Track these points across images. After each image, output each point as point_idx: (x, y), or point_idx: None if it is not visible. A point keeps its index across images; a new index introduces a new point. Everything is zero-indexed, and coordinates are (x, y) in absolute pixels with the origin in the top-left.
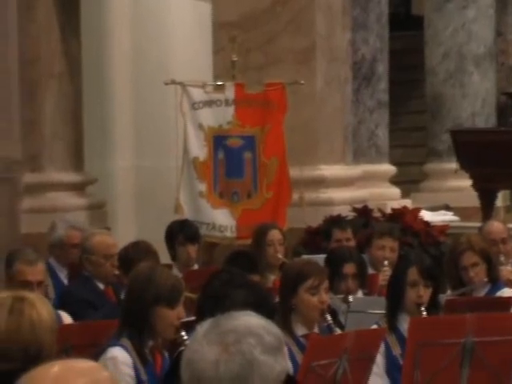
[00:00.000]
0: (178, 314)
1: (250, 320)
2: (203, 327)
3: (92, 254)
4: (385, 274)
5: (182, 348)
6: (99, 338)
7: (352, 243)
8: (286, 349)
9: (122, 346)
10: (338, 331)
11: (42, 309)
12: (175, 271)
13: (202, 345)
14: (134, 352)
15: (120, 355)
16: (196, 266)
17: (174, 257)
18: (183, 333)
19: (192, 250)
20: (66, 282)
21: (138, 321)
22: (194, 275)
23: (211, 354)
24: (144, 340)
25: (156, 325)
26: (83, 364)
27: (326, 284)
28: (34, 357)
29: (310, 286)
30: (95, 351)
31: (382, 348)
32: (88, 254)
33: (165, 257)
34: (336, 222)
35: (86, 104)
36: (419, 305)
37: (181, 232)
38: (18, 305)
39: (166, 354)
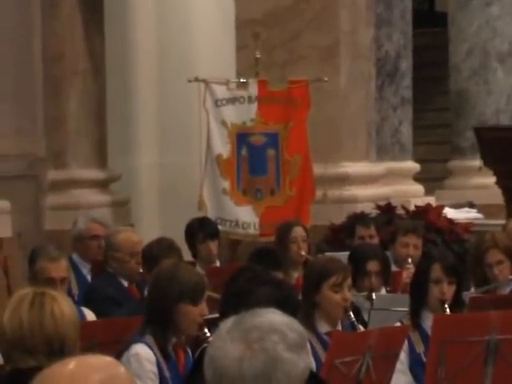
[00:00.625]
0: (201, 310)
1: (273, 317)
2: (227, 324)
3: (117, 251)
4: (408, 271)
5: (205, 345)
6: (123, 334)
7: (375, 240)
8: (309, 346)
9: (146, 342)
10: (361, 329)
11: (63, 303)
12: (198, 269)
13: (226, 342)
14: (157, 349)
15: (143, 352)
16: (218, 263)
17: (195, 255)
18: (206, 330)
19: (213, 246)
20: (88, 277)
21: (162, 318)
22: (216, 272)
23: (234, 351)
24: (167, 337)
25: (179, 322)
26: (99, 360)
27: (349, 281)
28: (58, 351)
29: (333, 283)
30: (119, 348)
31: (405, 345)
32: (113, 251)
33: (188, 254)
34: (359, 219)
35: (110, 101)
36: (443, 302)
37: (200, 229)
38: (38, 299)
39: (189, 351)
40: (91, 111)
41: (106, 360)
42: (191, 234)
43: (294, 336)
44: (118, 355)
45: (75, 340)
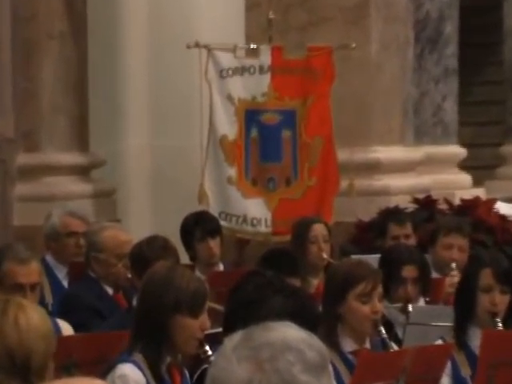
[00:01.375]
0: (202, 324)
1: (288, 332)
2: (232, 340)
3: (101, 251)
4: (452, 278)
5: (206, 366)
6: (107, 352)
7: (412, 241)
8: (330, 367)
9: (134, 362)
10: (395, 347)
11: (31, 312)
12: (197, 273)
13: (231, 361)
14: (148, 370)
15: (131, 373)
16: (221, 266)
17: (193, 257)
18: (207, 347)
19: (213, 244)
20: (65, 283)
21: (154, 332)
22: (219, 278)
23: (242, 372)
24: (160, 355)
25: (175, 337)
26: (87, 382)
27: (379, 290)
28: (22, 367)
29: (360, 293)
30: (102, 368)
31: (447, 368)
32: (96, 251)
33: (186, 255)
34: (392, 215)
35: (93, 71)
36: (494, 315)
37: (197, 226)
38: (0, 306)
39: (187, 373)
40: (70, 83)
41: (96, 383)
42: (187, 233)
43: (313, 355)
44: (101, 377)
45: (46, 356)
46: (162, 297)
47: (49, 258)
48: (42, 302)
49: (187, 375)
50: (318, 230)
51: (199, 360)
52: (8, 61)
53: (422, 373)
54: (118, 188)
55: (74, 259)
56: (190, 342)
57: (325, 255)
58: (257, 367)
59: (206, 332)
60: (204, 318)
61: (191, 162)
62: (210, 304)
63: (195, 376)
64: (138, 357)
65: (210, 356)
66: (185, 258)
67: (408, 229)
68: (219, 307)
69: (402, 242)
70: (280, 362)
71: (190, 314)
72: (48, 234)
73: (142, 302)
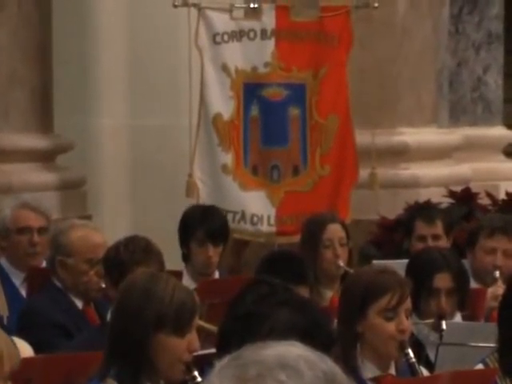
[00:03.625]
0: (189, 344)
1: (289, 350)
2: (221, 361)
3: (69, 256)
4: (496, 289)
5: None
6: (74, 377)
7: (443, 242)
8: None
9: None
10: (425, 372)
11: None
12: (186, 280)
13: (213, 383)
14: None
15: None
16: (216, 274)
17: (186, 257)
18: (196, 372)
19: (214, 253)
20: (23, 291)
21: (132, 354)
22: (212, 287)
23: None
24: (139, 382)
25: (157, 360)
26: None
27: (407, 304)
28: None
29: (384, 307)
30: None
31: None
32: (62, 255)
33: (172, 260)
34: (420, 210)
35: (58, 34)
36: None
37: (201, 225)
38: None
39: None
40: (30, 49)
41: None
42: (187, 228)
43: (313, 376)
44: None
45: None
46: (141, 311)
47: (3, 262)
48: None
49: None
50: (334, 231)
51: None
52: None
53: None
54: (89, 177)
55: (30, 262)
56: (175, 366)
57: (341, 263)
58: None
59: (195, 354)
60: (192, 337)
61: (178, 146)
62: (200, 323)
63: None
64: (112, 383)
65: (199, 383)
66: (171, 263)
67: (438, 228)
68: (211, 327)
69: (429, 243)
70: (267, 381)
71: (175, 331)
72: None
73: (118, 318)
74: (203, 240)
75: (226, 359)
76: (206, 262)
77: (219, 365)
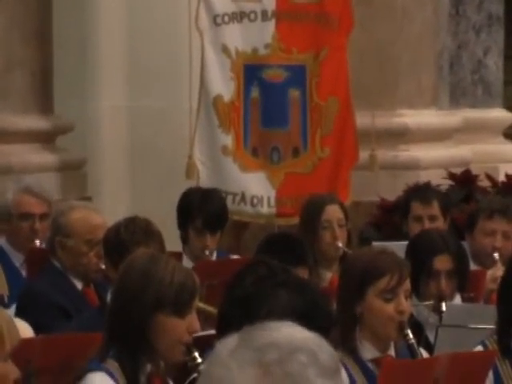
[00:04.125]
0: (189, 325)
1: (292, 332)
2: (228, 344)
3: (68, 237)
4: (495, 271)
5: (195, 375)
6: (74, 358)
7: (440, 224)
8: (346, 377)
9: (107, 370)
10: (424, 354)
11: None
12: (185, 261)
13: (230, 367)
14: (124, 379)
15: None
16: (214, 255)
17: (185, 239)
18: (196, 353)
19: (211, 241)
20: (23, 272)
21: (131, 335)
22: (211, 268)
23: (246, 379)
24: (139, 363)
25: (157, 341)
26: None
27: (406, 285)
28: None
29: (383, 289)
30: (68, 378)
31: (489, 379)
32: (62, 236)
33: (172, 240)
34: (416, 191)
35: (58, 15)
36: None
37: (199, 212)
38: None
39: None
40: (30, 31)
41: None
42: (186, 212)
43: (326, 357)
44: None
45: None
46: (141, 292)
47: (3, 243)
48: None
49: None
50: (333, 212)
51: (186, 369)
52: None
53: None
54: (89, 159)
55: (31, 245)
56: (175, 347)
57: (340, 243)
58: (264, 372)
59: (195, 335)
60: (192, 318)
61: (178, 127)
62: (199, 305)
63: None
64: (112, 364)
65: (199, 364)
66: (171, 244)
67: (434, 209)
68: (210, 309)
69: (425, 225)
70: (291, 364)
71: (175, 312)
72: (1, 214)
73: (118, 299)
74: (201, 229)
75: (233, 341)
76: (203, 248)
77: (227, 347)
